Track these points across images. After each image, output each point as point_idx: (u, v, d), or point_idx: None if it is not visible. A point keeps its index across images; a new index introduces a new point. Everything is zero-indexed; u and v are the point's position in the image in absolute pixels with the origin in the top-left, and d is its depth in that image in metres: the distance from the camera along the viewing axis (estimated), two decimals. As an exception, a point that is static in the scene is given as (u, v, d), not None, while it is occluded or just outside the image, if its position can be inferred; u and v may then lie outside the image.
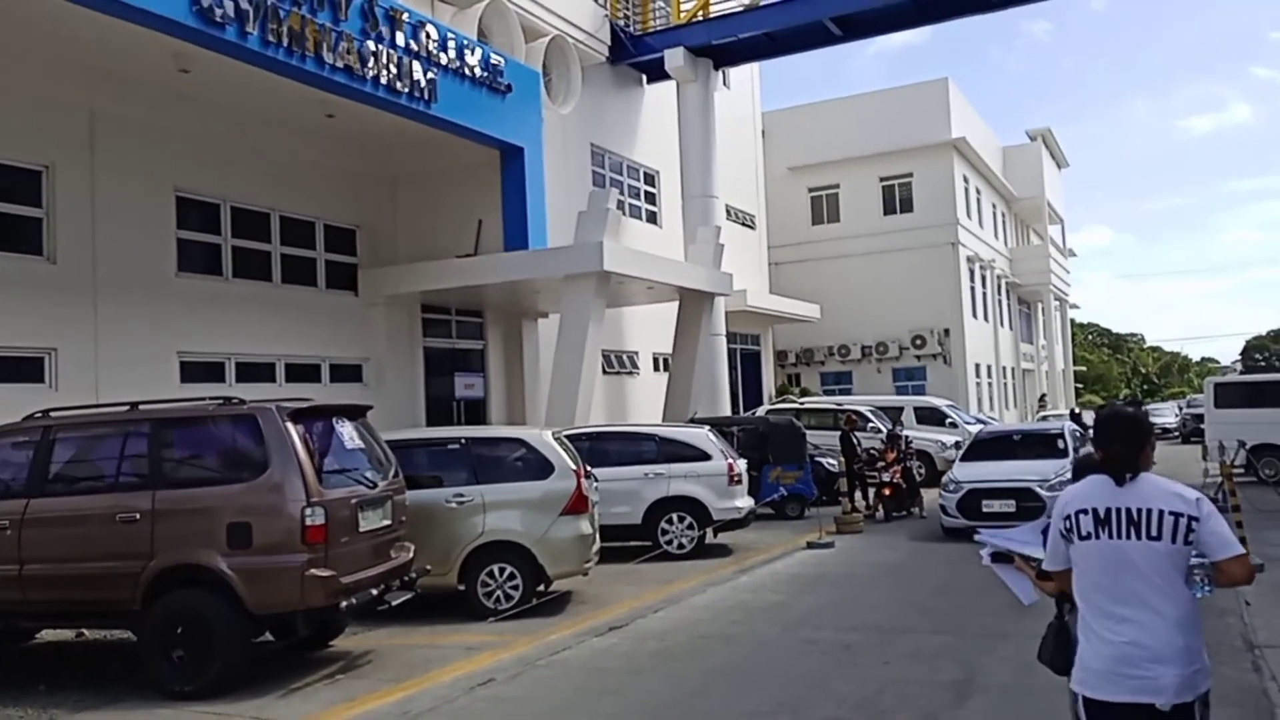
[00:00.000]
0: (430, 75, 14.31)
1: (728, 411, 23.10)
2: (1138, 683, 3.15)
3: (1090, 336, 77.44)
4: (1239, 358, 79.60)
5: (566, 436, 12.51)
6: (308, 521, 6.83)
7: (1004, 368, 41.93)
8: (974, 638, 7.71)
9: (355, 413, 8.11)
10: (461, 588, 9.16)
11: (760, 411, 22.80)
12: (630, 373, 23.92)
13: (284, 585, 6.81)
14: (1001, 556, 4.21)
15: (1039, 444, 14.73)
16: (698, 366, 20.40)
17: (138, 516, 7.00)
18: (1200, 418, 23.01)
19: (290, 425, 7.08)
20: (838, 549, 12.66)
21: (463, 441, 9.72)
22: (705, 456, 12.77)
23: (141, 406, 7.56)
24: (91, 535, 7.09)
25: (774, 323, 31.97)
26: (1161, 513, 3.21)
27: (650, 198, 25.45)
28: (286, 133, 15.47)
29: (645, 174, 25.12)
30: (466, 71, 15.10)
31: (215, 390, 13.22)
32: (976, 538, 6.72)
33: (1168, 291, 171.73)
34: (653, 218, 25.24)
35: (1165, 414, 39.04)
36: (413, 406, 17.40)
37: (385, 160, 17.30)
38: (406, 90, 13.87)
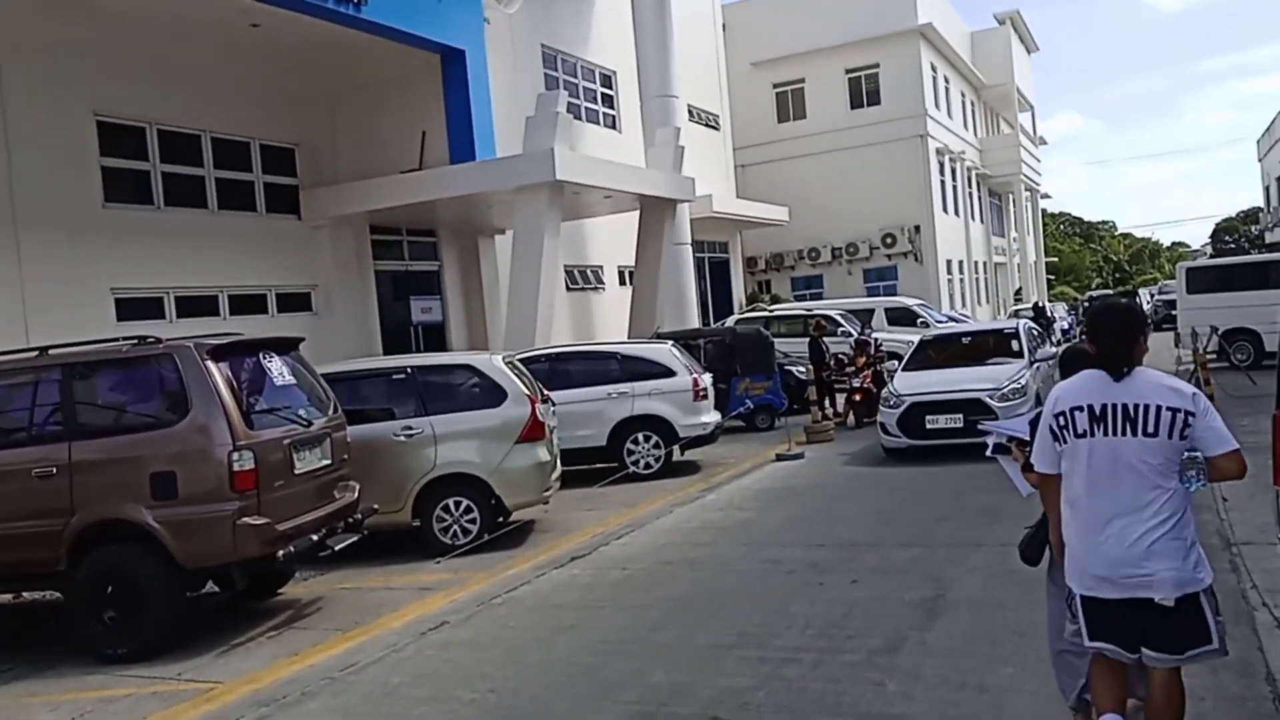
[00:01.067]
0: (357, -24, 13.34)
1: (696, 324, 22.68)
2: (1135, 580, 3.15)
3: (1061, 226, 77.15)
4: (1209, 241, 79.59)
5: (524, 359, 12.15)
6: (235, 466, 6.38)
7: (976, 262, 41.64)
8: (943, 548, 7.46)
9: (285, 345, 7.59)
10: (417, 524, 8.81)
11: (729, 322, 22.39)
12: (595, 288, 23.38)
13: (215, 536, 6.39)
14: (1002, 447, 4.28)
15: (991, 346, 13.09)
16: (664, 278, 19.89)
17: (54, 471, 6.53)
18: (1172, 304, 22.81)
19: (211, 363, 6.58)
20: (808, 460, 12.41)
21: (408, 371, 9.22)
22: (669, 373, 12.37)
23: (51, 351, 7.02)
24: (8, 493, 6.62)
25: (742, 228, 31.37)
26: (1159, 408, 3.18)
27: (608, 100, 24.53)
28: (212, 47, 14.52)
29: (601, 75, 24.14)
30: (398, -30, 14.11)
31: (155, 328, 12.62)
32: (979, 426, 6.98)
33: (1137, 177, 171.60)
34: (612, 122, 24.37)
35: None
36: (367, 334, 16.86)
37: (321, 73, 16.36)
38: (333, -7, 12.95)
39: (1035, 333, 14.38)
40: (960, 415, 11.23)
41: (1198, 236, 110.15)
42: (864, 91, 35.83)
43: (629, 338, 17.96)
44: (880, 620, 5.87)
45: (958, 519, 8.36)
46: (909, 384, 12.04)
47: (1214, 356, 16.63)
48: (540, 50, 21.32)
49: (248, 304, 15.31)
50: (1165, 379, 3.31)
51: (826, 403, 16.17)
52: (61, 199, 12.70)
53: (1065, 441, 3.32)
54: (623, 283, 23.49)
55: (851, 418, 15.67)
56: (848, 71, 35.82)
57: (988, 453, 4.48)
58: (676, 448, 12.23)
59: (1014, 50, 47.03)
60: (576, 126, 22.71)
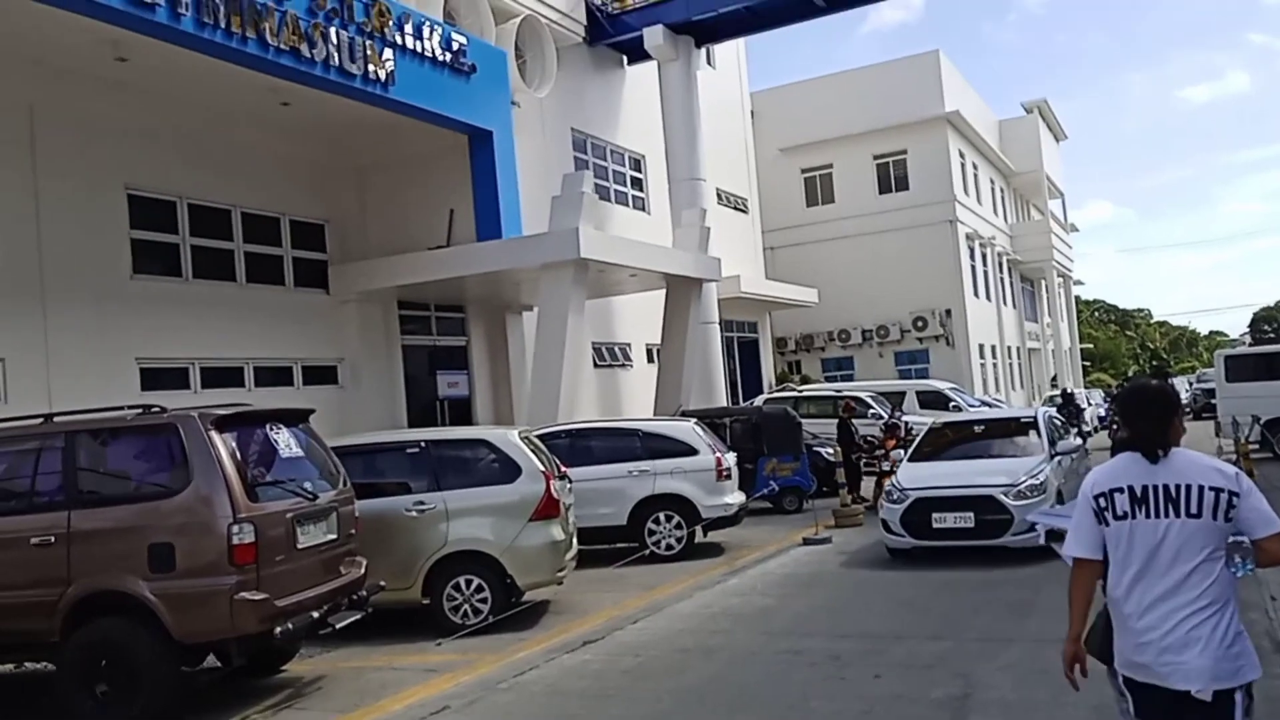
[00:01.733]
0: (386, 57, 13.61)
1: (723, 402, 22.44)
2: (1172, 669, 3.02)
3: (1096, 313, 76.55)
4: (1247, 330, 78.59)
5: (544, 435, 11.96)
6: (235, 540, 6.18)
7: (1009, 347, 41.18)
8: (974, 642, 7.04)
9: (294, 417, 7.45)
10: (426, 601, 8.52)
11: (758, 401, 22.12)
12: (623, 365, 23.26)
13: (211, 611, 6.16)
14: (1054, 534, 4.19)
15: (1008, 436, 11.76)
16: (690, 356, 19.73)
17: (53, 539, 6.37)
18: (1211, 392, 22.34)
19: (215, 434, 6.44)
20: (835, 544, 11.98)
21: (422, 444, 9.04)
22: (692, 451, 12.08)
23: (55, 418, 6.93)
24: (5, 561, 6.46)
25: (771, 309, 31.27)
26: (1201, 488, 3.07)
27: (637, 183, 24.76)
28: (242, 124, 14.81)
29: (631, 159, 24.42)
30: (426, 52, 14.42)
31: (179, 399, 12.61)
32: (1028, 517, 6.94)
33: (1172, 265, 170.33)
34: (640, 204, 24.56)
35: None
36: (393, 407, 16.78)
37: (350, 150, 16.64)
38: (360, 73, 13.20)
39: (1059, 422, 13.27)
40: (971, 514, 9.92)
41: (1235, 325, 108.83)
42: (892, 177, 36.01)
43: (655, 415, 17.73)
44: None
45: (989, 611, 7.95)
46: (915, 476, 10.77)
47: (1256, 446, 16.10)
48: (570, 133, 21.64)
49: (274, 376, 15.30)
50: (1206, 459, 3.20)
51: (858, 486, 15.74)
52: (90, 269, 12.84)
53: (1108, 524, 3.20)
54: (650, 360, 23.35)
55: (881, 502, 15.18)
56: (876, 158, 36.07)
57: (1040, 541, 4.91)
58: (699, 528, 11.88)
59: (1042, 138, 47.29)
60: (605, 207, 22.95)
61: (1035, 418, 11.97)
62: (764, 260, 32.04)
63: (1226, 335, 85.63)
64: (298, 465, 7.12)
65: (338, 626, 6.81)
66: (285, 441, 7.10)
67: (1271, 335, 63.18)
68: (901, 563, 10.43)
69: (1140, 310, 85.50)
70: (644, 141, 24.02)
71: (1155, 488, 3.13)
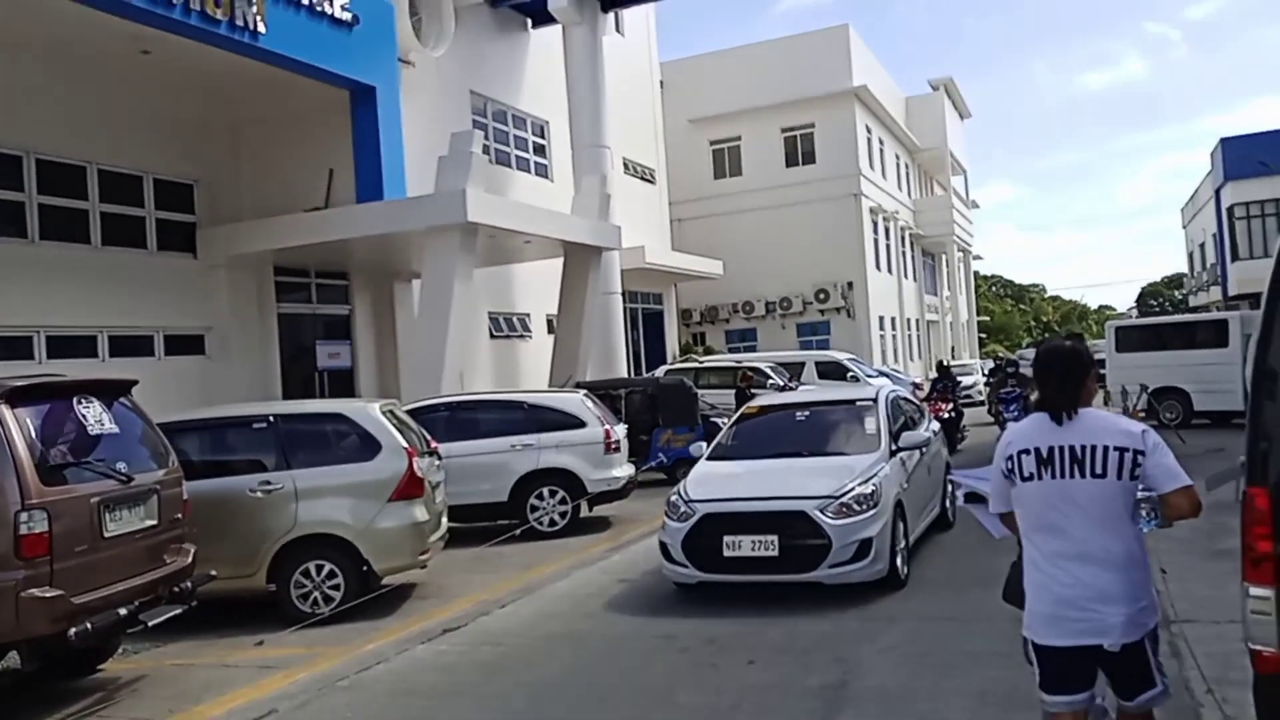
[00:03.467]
0: (254, 2, 12.57)
1: (624, 374, 21.96)
2: (1083, 625, 3.09)
3: (994, 287, 78.46)
4: (1135, 304, 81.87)
5: (420, 408, 11.28)
6: (23, 530, 5.38)
7: (909, 319, 41.72)
8: (856, 620, 6.68)
9: (111, 390, 6.60)
10: (273, 588, 7.81)
11: (660, 372, 21.71)
12: (522, 336, 22.58)
13: (-6, 611, 5.37)
14: (975, 496, 4.17)
15: (838, 425, 8.78)
16: (591, 327, 19.16)
17: None
18: (1101, 363, 22.68)
19: (6, 409, 5.60)
20: (725, 518, 11.58)
21: (270, 419, 8.25)
22: (580, 424, 11.53)
23: None
24: None
25: (677, 280, 30.90)
26: (1106, 449, 3.12)
27: (540, 150, 23.99)
28: (100, 74, 13.60)
29: (535, 124, 23.62)
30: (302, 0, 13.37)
31: (22, 370, 11.48)
32: (950, 477, 6.48)
33: (1066, 243, 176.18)
34: (544, 171, 23.80)
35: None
36: (266, 380, 15.79)
37: (223, 105, 15.48)
38: (225, 19, 12.18)
39: (910, 404, 10.27)
40: (775, 538, 7.13)
41: (1124, 300, 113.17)
42: (800, 150, 35.93)
43: (550, 387, 17.12)
44: (773, 712, 5.05)
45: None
46: (709, 482, 7.95)
47: (1144, 415, 16.36)
48: (469, 95, 20.72)
49: (132, 346, 14.19)
50: (1114, 419, 3.28)
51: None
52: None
53: (1015, 485, 3.28)
54: (550, 331, 22.66)
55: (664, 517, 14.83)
56: (784, 130, 35.91)
57: (960, 503, 4.52)
58: (585, 503, 11.37)
59: (947, 115, 47.91)
60: (506, 174, 22.16)
61: (875, 399, 8.90)
62: (670, 232, 31.60)
63: (1115, 309, 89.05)
64: (111, 443, 6.30)
65: (150, 624, 6.05)
66: (96, 417, 6.27)
67: (1157, 309, 65.72)
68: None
69: (1035, 285, 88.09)
70: (548, 107, 23.22)
71: (1061, 449, 3.16)
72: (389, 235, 14.63)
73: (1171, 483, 3.11)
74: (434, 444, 9.18)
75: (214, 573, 6.90)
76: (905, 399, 10.21)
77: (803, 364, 22.48)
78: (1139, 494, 3.14)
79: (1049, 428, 3.21)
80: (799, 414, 9.32)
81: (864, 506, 7.26)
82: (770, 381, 19.62)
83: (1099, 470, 3.11)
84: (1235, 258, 33.94)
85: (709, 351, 31.12)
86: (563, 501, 11.19)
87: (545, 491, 11.21)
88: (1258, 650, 2.99)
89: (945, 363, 20.36)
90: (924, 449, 8.93)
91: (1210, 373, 17.55)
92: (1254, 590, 2.99)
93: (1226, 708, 4.51)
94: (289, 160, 15.99)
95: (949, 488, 9.61)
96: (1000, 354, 31.24)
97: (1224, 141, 34.00)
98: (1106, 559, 3.09)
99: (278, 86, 14.51)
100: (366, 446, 8.06)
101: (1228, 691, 4.66)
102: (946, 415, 16.15)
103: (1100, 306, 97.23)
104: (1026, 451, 3.22)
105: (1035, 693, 3.27)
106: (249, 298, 15.82)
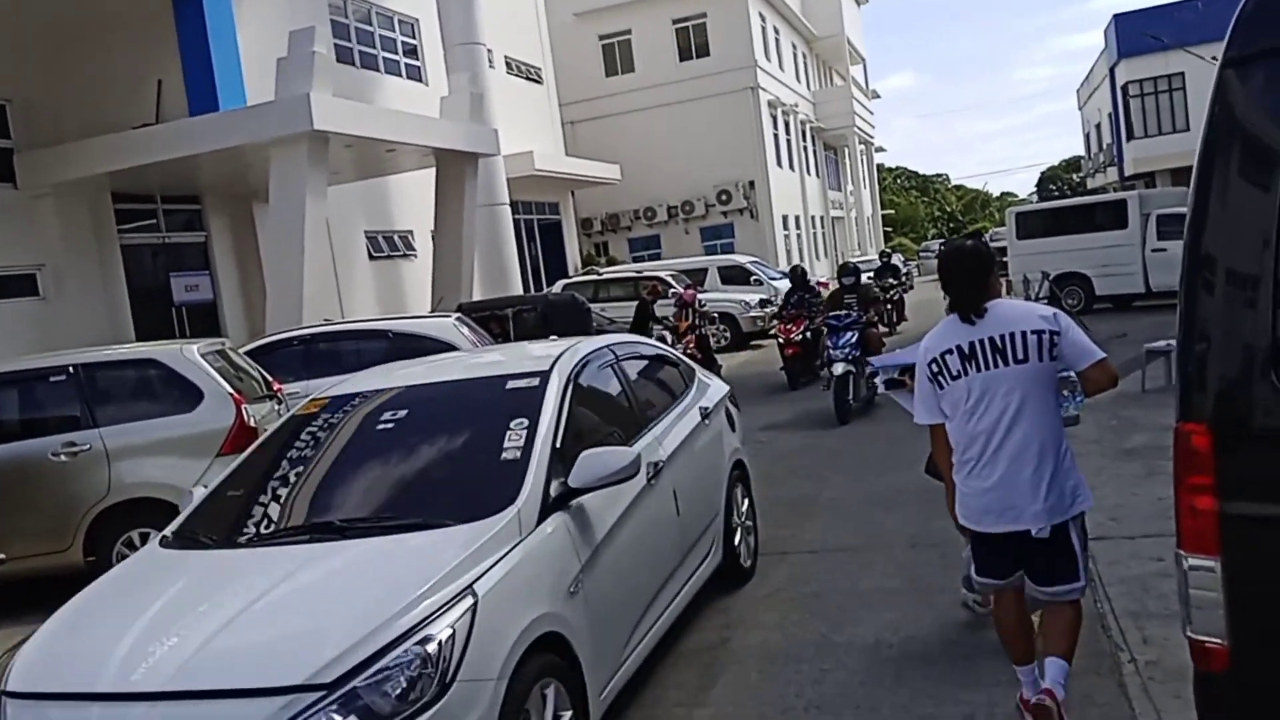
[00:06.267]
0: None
1: (520, 291, 20.89)
2: (1013, 512, 3.20)
3: (897, 180, 78.69)
4: (1035, 189, 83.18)
5: (273, 342, 10.22)
6: None
7: (813, 217, 41.24)
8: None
9: None
10: (92, 561, 6.81)
11: (558, 288, 20.71)
12: (405, 255, 21.26)
13: None
14: (894, 382, 4.17)
15: (444, 452, 4.20)
16: (472, 242, 17.95)
17: None
18: (1003, 250, 22.49)
19: None
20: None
21: (70, 370, 7.09)
22: (452, 349, 10.57)
23: None
24: None
25: (573, 188, 29.62)
26: (1024, 334, 3.22)
27: (413, 51, 22.24)
28: None
29: (402, 22, 21.82)
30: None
31: None
32: (869, 366, 6.70)
33: (968, 130, 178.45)
34: (416, 73, 22.11)
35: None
36: (114, 320, 14.29)
37: (32, 15, 13.50)
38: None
39: (666, 370, 5.77)
40: None
41: (1025, 185, 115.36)
42: (693, 44, 34.45)
43: (432, 310, 16.00)
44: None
45: (770, 509, 6.94)
46: (66, 641, 3.43)
47: (1046, 301, 16.13)
48: (325, -8, 18.84)
49: (-54, 290, 12.59)
50: (1024, 305, 3.44)
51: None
52: None
53: (943, 386, 3.33)
54: (438, 249, 21.41)
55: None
56: (675, 22, 34.33)
57: (880, 390, 4.52)
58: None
59: (843, 1, 46.71)
60: (375, 78, 20.45)
61: (544, 380, 4.24)
62: (563, 135, 30.15)
63: (1016, 195, 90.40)
64: None
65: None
66: None
67: (1057, 194, 66.76)
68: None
69: (939, 175, 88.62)
70: (417, 3, 21.38)
71: (982, 342, 3.25)
72: (231, 150, 13.08)
73: (1087, 358, 3.22)
74: (278, 386, 8.17)
75: (2, 555, 5.88)
76: (650, 356, 5.67)
77: (705, 270, 21.74)
78: (1059, 375, 3.28)
79: (963, 328, 3.30)
80: (385, 417, 4.43)
81: (412, 692, 2.84)
82: (672, 291, 18.84)
83: (1020, 355, 3.20)
84: (1131, 136, 34.10)
85: (612, 262, 30.10)
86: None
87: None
88: (1200, 641, 2.24)
89: (887, 253, 19.38)
90: (657, 467, 4.52)
91: (1111, 254, 17.41)
92: (1192, 560, 2.22)
93: (1148, 650, 3.93)
94: (114, 73, 14.17)
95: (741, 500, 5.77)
96: (885, 251, 30.06)
97: (1117, 18, 33.77)
98: (1037, 446, 3.19)
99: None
100: (186, 395, 7.03)
101: (1149, 627, 4.10)
102: (799, 337, 13.30)
103: (1003, 194, 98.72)
104: (949, 351, 3.30)
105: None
106: (84, 229, 14.17)
